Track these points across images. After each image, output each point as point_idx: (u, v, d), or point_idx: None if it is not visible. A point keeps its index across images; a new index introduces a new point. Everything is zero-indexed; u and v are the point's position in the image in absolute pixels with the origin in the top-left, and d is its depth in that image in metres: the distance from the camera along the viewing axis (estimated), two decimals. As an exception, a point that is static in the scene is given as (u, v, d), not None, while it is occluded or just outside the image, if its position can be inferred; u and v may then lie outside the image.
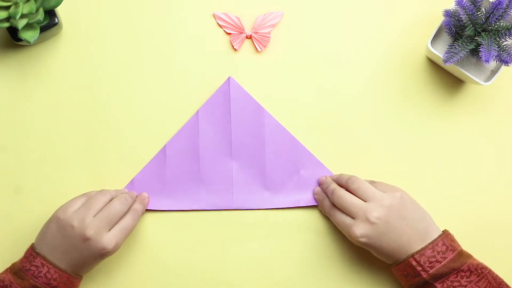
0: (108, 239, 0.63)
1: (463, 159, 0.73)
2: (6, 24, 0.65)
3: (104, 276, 0.71)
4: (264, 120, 0.72)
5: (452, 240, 0.65)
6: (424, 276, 0.62)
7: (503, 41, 0.65)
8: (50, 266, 0.63)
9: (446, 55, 0.66)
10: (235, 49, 0.73)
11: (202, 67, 0.73)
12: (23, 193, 0.72)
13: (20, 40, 0.68)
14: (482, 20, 0.65)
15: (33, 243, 0.65)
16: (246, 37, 0.73)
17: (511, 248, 0.72)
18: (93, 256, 0.64)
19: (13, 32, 0.68)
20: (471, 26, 0.65)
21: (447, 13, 0.66)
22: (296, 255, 0.71)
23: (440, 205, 0.72)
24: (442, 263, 0.62)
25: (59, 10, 0.71)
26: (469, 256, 0.64)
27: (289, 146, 0.72)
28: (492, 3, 0.63)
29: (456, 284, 0.62)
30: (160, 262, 0.71)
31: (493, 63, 0.70)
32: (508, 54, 0.64)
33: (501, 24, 0.64)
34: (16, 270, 0.64)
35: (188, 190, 0.72)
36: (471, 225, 0.72)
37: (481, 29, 0.65)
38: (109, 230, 0.64)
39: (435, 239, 0.63)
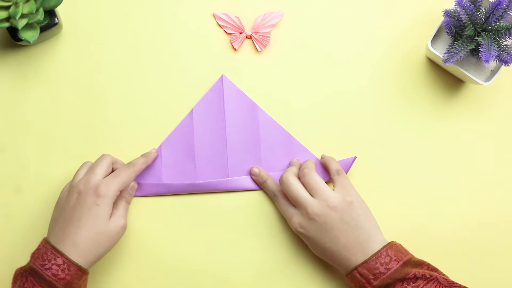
0: (103, 184, 0.64)
1: (463, 159, 0.73)
2: (6, 24, 0.65)
3: (103, 274, 0.71)
4: (259, 116, 0.72)
5: (398, 250, 0.63)
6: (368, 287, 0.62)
7: (503, 41, 0.65)
8: (48, 248, 0.62)
9: (446, 55, 0.66)
10: (235, 49, 0.73)
11: (202, 67, 0.73)
12: (23, 193, 0.72)
13: (20, 40, 0.68)
14: (482, 20, 0.65)
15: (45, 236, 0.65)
16: (246, 37, 0.73)
17: (511, 248, 0.72)
18: (83, 204, 0.63)
19: (13, 32, 0.68)
20: (471, 26, 0.65)
21: (447, 13, 0.66)
22: (295, 254, 0.71)
23: (439, 205, 0.72)
24: (386, 275, 0.61)
25: (59, 10, 0.71)
26: (418, 264, 0.63)
27: (284, 142, 0.72)
28: (492, 3, 0.63)
29: None
30: (157, 259, 0.71)
31: (493, 63, 0.70)
32: (508, 54, 0.64)
33: (501, 24, 0.64)
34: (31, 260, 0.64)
35: (183, 189, 0.72)
36: (471, 225, 0.72)
37: (481, 29, 0.65)
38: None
39: (379, 251, 0.62)
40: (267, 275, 0.71)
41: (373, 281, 0.61)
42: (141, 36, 0.74)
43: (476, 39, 0.65)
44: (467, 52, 0.65)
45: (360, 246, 0.63)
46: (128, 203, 0.69)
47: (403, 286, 0.60)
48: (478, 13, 0.65)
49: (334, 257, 0.64)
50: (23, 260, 0.70)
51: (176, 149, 0.72)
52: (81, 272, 0.62)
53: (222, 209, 0.72)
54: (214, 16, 0.74)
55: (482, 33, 0.65)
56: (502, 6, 0.62)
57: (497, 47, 0.64)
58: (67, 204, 0.64)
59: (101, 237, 0.63)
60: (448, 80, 0.73)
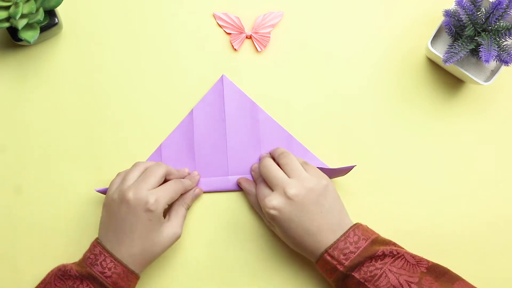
0: (148, 193, 0.63)
1: (462, 159, 0.73)
2: (6, 24, 0.65)
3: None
4: (259, 116, 0.72)
5: (365, 230, 0.64)
6: (341, 269, 0.61)
7: (503, 41, 0.65)
8: (107, 255, 0.63)
9: (446, 55, 0.66)
10: (235, 49, 0.73)
11: (202, 67, 0.73)
12: (23, 193, 0.72)
13: (20, 40, 0.68)
14: (482, 20, 0.65)
15: (97, 237, 0.65)
16: (246, 37, 0.73)
17: (511, 249, 0.72)
18: (136, 214, 0.63)
19: (13, 32, 0.68)
20: (471, 26, 0.65)
21: (447, 13, 0.66)
22: (295, 254, 0.71)
23: (439, 205, 0.72)
24: (356, 253, 0.61)
25: (59, 10, 0.71)
26: (386, 242, 0.63)
27: (284, 141, 0.72)
28: (492, 3, 0.63)
29: (372, 268, 0.61)
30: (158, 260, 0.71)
31: (493, 63, 0.70)
32: (508, 54, 0.64)
33: (501, 24, 0.64)
34: (80, 260, 0.64)
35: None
36: (471, 225, 0.72)
37: (481, 29, 0.65)
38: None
39: (347, 231, 0.63)
40: (267, 275, 0.71)
41: (344, 261, 0.61)
42: (141, 36, 0.74)
43: (476, 39, 0.65)
44: (467, 52, 0.65)
45: (331, 229, 0.63)
46: (188, 208, 0.70)
47: (371, 263, 0.61)
48: (478, 13, 0.65)
49: (305, 241, 0.63)
50: (23, 259, 0.71)
51: (176, 148, 0.72)
52: (137, 279, 0.65)
53: (222, 209, 0.72)
54: (214, 16, 0.74)
55: (482, 33, 0.65)
56: (502, 6, 0.62)
57: (497, 47, 0.64)
58: (118, 213, 0.63)
59: (155, 248, 0.64)
60: (448, 80, 0.73)
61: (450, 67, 0.69)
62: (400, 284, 0.60)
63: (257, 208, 0.70)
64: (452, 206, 0.72)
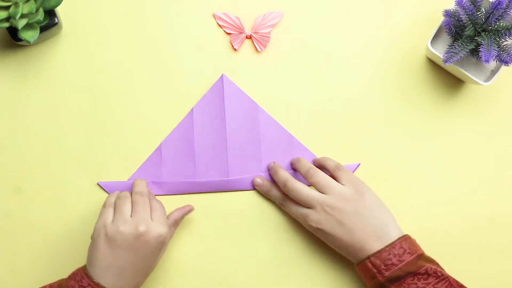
0: (156, 224, 0.63)
1: (463, 159, 0.73)
2: (6, 24, 0.65)
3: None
4: (259, 116, 0.72)
5: (412, 243, 0.63)
6: (379, 278, 0.61)
7: (503, 41, 0.65)
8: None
9: (446, 55, 0.66)
10: (235, 49, 0.73)
11: (202, 67, 0.73)
12: (23, 193, 0.72)
13: (20, 40, 0.68)
14: (482, 20, 0.65)
15: (84, 266, 0.63)
16: (246, 37, 0.73)
17: (511, 249, 0.72)
18: (149, 249, 0.63)
19: (13, 32, 0.68)
20: (471, 26, 0.65)
21: (447, 13, 0.66)
22: (295, 254, 0.71)
23: (439, 205, 0.72)
24: (398, 266, 0.61)
25: (59, 10, 0.71)
26: (430, 260, 0.63)
27: (284, 141, 0.72)
28: (492, 3, 0.63)
29: (413, 286, 0.60)
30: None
31: (493, 63, 0.70)
32: (508, 54, 0.64)
33: (501, 24, 0.64)
34: (61, 285, 0.63)
35: (184, 189, 0.72)
36: (471, 225, 0.72)
37: (481, 29, 0.65)
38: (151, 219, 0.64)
39: (393, 242, 0.62)
40: (267, 275, 0.71)
41: (384, 272, 0.61)
42: (141, 36, 0.74)
43: (476, 39, 0.65)
44: (467, 52, 0.65)
45: (376, 236, 0.63)
46: (176, 226, 0.71)
47: (413, 281, 0.60)
48: (478, 13, 0.65)
49: (349, 249, 0.64)
50: (22, 261, 0.71)
51: (176, 148, 0.72)
52: None
53: (222, 209, 0.72)
54: (214, 16, 0.74)
55: (482, 33, 0.65)
56: (502, 6, 0.62)
57: (497, 47, 0.64)
58: (109, 246, 0.62)
59: (146, 260, 0.64)
60: (448, 80, 0.73)
61: (450, 67, 0.69)
62: None
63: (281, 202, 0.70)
64: (452, 206, 0.72)
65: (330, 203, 0.64)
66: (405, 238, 0.63)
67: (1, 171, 0.72)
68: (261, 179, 0.71)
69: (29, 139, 0.72)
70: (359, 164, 0.71)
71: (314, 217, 0.65)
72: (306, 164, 0.69)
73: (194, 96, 0.73)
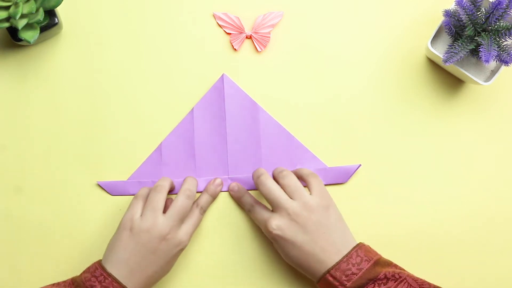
0: (182, 234, 0.65)
1: (462, 159, 0.73)
2: (6, 24, 0.65)
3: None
4: (259, 115, 0.72)
5: (367, 250, 0.63)
6: None
7: (503, 41, 0.65)
8: (109, 280, 0.61)
9: (446, 55, 0.66)
10: (235, 49, 0.73)
11: (202, 67, 0.73)
12: (23, 193, 0.72)
13: (20, 40, 0.68)
14: (482, 20, 0.65)
15: (100, 260, 0.64)
16: (246, 37, 0.73)
17: (511, 249, 0.72)
18: (169, 255, 0.64)
19: (13, 32, 0.68)
20: (471, 26, 0.65)
21: (447, 13, 0.66)
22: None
23: (439, 205, 0.72)
24: (359, 275, 0.61)
25: (59, 10, 0.71)
26: (388, 264, 0.63)
27: (284, 141, 0.72)
28: (492, 3, 0.63)
29: None
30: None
31: (493, 63, 0.70)
32: (508, 54, 0.64)
33: (501, 24, 0.64)
34: (77, 281, 0.62)
35: None
36: (471, 225, 0.72)
37: (481, 29, 0.65)
38: (181, 225, 0.65)
39: (349, 252, 0.62)
40: (267, 275, 0.71)
41: (346, 283, 0.60)
42: (141, 36, 0.74)
43: (476, 39, 0.65)
44: (467, 52, 0.65)
45: (335, 249, 0.63)
46: (203, 213, 0.70)
47: (374, 287, 0.60)
48: (478, 13, 0.65)
49: (309, 259, 0.63)
50: (22, 260, 0.71)
51: (176, 148, 0.72)
52: None
53: (222, 209, 0.72)
54: (214, 16, 0.74)
55: (482, 33, 0.65)
56: (502, 6, 0.62)
57: (497, 47, 0.64)
58: (132, 241, 0.63)
59: (164, 273, 0.66)
60: (448, 80, 0.73)
61: (450, 67, 0.69)
62: None
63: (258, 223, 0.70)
64: (452, 206, 0.72)
65: (295, 209, 0.64)
66: (360, 246, 0.63)
67: (1, 171, 0.72)
68: (237, 185, 0.71)
69: (29, 139, 0.72)
70: (360, 165, 0.71)
71: (276, 222, 0.64)
72: (281, 168, 0.69)
73: (194, 96, 0.73)
